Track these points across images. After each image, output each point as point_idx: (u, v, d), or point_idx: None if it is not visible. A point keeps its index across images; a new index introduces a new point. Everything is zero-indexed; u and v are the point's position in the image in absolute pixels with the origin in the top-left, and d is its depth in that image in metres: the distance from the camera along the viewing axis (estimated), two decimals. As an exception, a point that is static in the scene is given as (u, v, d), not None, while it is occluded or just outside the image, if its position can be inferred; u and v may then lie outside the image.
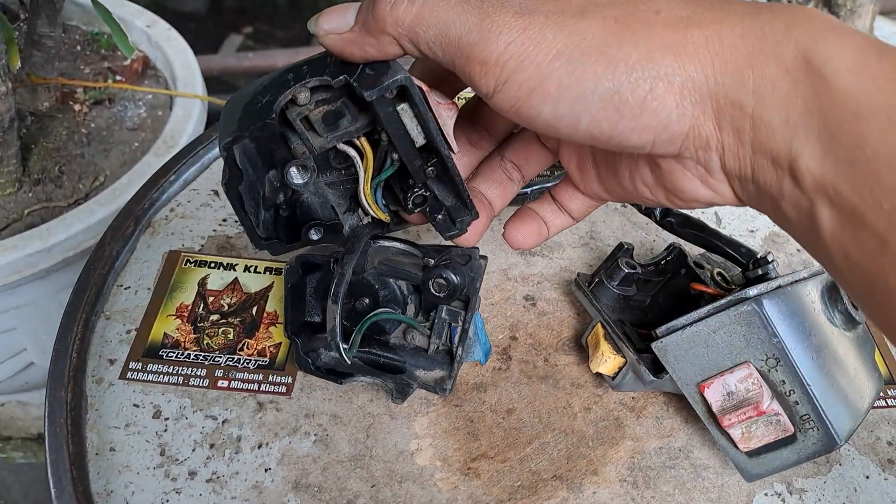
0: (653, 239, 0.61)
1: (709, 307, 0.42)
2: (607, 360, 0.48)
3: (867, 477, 0.48)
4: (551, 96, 0.29)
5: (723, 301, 0.42)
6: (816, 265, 0.46)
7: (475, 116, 0.41)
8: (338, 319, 0.41)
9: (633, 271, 0.50)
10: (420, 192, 0.39)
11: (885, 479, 0.48)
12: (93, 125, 0.98)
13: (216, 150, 0.62)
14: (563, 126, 0.30)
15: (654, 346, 0.44)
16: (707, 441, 0.48)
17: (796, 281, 0.43)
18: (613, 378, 0.49)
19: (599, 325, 0.49)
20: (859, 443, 0.49)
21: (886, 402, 0.52)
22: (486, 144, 0.42)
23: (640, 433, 0.49)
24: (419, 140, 0.36)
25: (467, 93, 0.39)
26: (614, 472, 0.47)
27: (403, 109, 0.35)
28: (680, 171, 0.32)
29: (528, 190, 0.59)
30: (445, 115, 0.37)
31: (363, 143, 0.38)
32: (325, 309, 0.47)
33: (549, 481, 0.46)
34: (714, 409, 0.43)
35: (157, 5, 2.21)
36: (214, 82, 1.82)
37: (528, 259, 0.58)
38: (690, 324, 0.42)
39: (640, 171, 0.35)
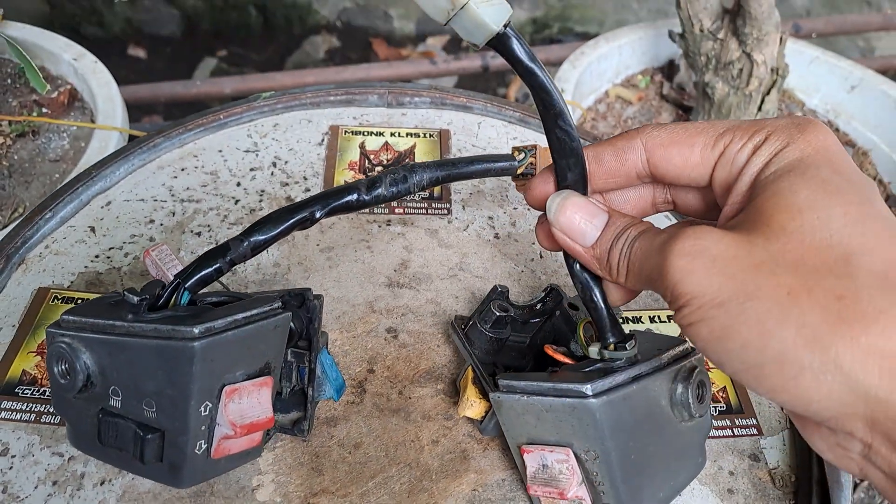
0: (520, 270, 0.62)
1: (550, 385, 0.40)
2: (473, 405, 0.49)
3: (704, 507, 0.49)
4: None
5: (563, 385, 0.39)
6: (680, 345, 0.44)
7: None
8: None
9: (505, 314, 0.49)
10: None
11: (722, 509, 0.49)
12: (16, 157, 0.98)
13: (96, 187, 0.63)
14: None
15: (492, 397, 0.43)
16: (549, 472, 0.49)
17: (647, 374, 0.40)
18: (481, 422, 0.49)
19: (470, 368, 0.49)
20: (701, 474, 0.50)
21: (733, 431, 0.52)
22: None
23: (484, 465, 0.49)
24: None
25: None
26: (454, 505, 0.47)
27: None
28: (816, 430, 0.31)
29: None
30: None
31: None
32: None
33: (388, 515, 0.47)
34: (528, 474, 0.43)
35: (134, 29, 2.23)
36: (187, 107, 1.84)
37: (396, 291, 0.59)
38: (529, 393, 0.41)
39: None
